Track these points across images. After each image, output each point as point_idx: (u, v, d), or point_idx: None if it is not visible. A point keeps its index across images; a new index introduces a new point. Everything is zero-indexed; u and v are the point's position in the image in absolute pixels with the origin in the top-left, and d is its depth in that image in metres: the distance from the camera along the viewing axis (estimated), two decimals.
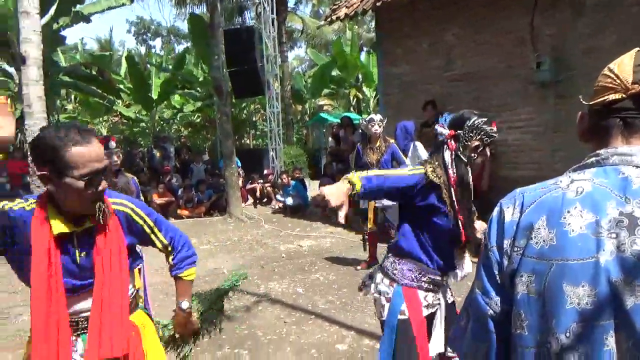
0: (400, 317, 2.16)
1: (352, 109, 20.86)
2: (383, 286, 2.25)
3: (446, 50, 7.33)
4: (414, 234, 2.21)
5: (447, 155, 2.15)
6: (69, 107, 22.06)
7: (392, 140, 5.62)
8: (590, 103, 1.03)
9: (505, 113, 6.63)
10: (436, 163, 2.16)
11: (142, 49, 36.14)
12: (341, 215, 1.88)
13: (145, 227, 1.79)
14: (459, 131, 2.16)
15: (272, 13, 12.54)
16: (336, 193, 1.88)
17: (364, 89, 19.04)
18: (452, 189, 2.12)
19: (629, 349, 0.87)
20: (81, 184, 1.49)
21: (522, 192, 1.05)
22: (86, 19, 12.04)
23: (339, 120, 14.24)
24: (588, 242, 0.91)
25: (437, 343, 2.21)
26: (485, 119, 2.16)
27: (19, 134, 12.16)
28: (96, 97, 14.65)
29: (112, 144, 3.79)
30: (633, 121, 0.97)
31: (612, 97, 0.98)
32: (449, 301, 2.32)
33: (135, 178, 4.13)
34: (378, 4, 7.38)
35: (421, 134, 6.58)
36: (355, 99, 21.15)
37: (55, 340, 1.53)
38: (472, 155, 2.16)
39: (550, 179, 1.03)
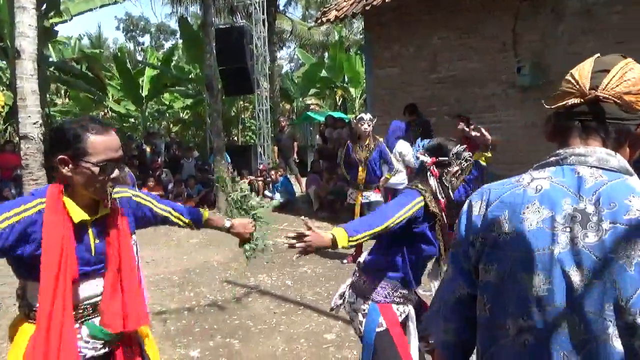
0: (378, 329, 2.25)
1: (338, 108, 21.07)
2: (358, 304, 2.33)
3: (432, 54, 7.57)
4: (394, 255, 2.28)
5: (433, 181, 2.28)
6: (59, 101, 21.94)
7: (381, 139, 5.79)
8: (552, 107, 1.10)
9: (487, 115, 6.89)
10: (428, 192, 2.25)
11: (131, 46, 36.05)
12: (298, 256, 1.98)
13: (149, 204, 1.99)
14: (440, 158, 2.30)
15: (263, 14, 12.71)
16: (316, 244, 1.94)
17: (350, 89, 19.27)
18: (444, 214, 2.25)
19: (580, 331, 0.95)
20: (96, 169, 1.59)
21: (489, 189, 1.14)
22: (72, 16, 12.08)
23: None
24: (544, 235, 0.99)
25: (414, 352, 2.31)
26: (464, 146, 2.32)
27: (8, 127, 12.14)
28: (86, 92, 14.64)
29: None
30: (589, 124, 1.04)
31: (571, 101, 1.05)
32: (414, 302, 2.43)
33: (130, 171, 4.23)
34: (367, 7, 7.60)
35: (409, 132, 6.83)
36: (341, 99, 21.36)
37: (59, 328, 1.58)
38: (453, 179, 2.31)
39: (514, 177, 1.11)
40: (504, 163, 6.83)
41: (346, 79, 19.14)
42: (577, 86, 1.05)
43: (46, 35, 11.07)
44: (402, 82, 8.02)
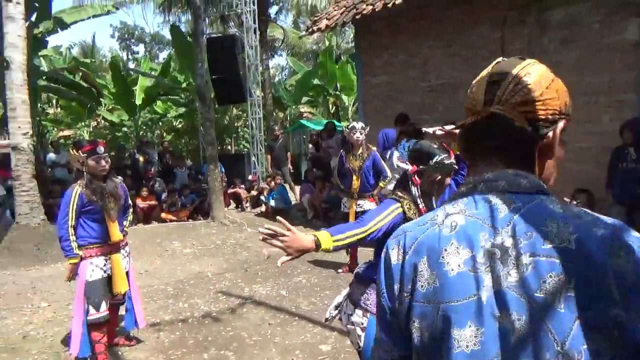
0: None
1: (331, 116, 21.15)
2: (356, 317, 2.28)
3: (421, 62, 7.64)
4: None
5: (414, 190, 2.25)
6: (50, 111, 21.83)
7: (373, 148, 5.81)
8: (455, 126, 1.00)
9: None
10: (408, 199, 2.23)
11: (124, 55, 35.98)
12: (283, 260, 1.88)
13: None
14: (421, 167, 2.25)
15: (254, 22, 12.76)
16: (298, 247, 1.87)
17: (343, 96, 19.36)
18: None
19: None
20: None
21: (405, 232, 0.98)
22: (67, 25, 12.11)
23: (318, 127, 14.49)
24: (468, 280, 0.85)
25: None
26: (446, 155, 2.26)
27: None
28: (78, 102, 14.60)
29: (101, 148, 3.75)
30: (489, 144, 0.92)
31: (469, 120, 0.93)
32: None
33: (123, 182, 4.21)
34: (357, 17, 7.66)
35: (399, 142, 6.83)
36: (334, 107, 21.45)
37: None
38: (436, 187, 2.28)
39: (429, 213, 0.99)
40: None
41: (338, 87, 19.23)
42: (474, 102, 0.93)
43: (36, 45, 11.04)
44: (393, 90, 8.09)
